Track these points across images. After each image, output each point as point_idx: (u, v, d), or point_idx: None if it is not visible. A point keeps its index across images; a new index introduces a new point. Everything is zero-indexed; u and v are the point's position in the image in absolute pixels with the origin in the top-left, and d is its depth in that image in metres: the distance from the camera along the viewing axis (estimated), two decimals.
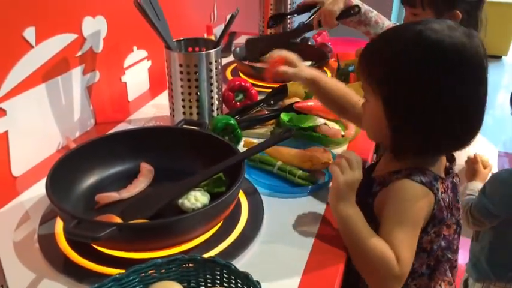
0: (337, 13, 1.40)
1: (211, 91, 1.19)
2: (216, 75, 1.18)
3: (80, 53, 1.15)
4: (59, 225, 0.84)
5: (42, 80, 1.05)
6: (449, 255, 0.86)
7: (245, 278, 0.66)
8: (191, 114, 1.19)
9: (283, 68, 1.01)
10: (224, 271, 0.69)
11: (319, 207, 0.93)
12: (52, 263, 0.76)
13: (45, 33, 1.03)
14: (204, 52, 1.15)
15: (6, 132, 0.97)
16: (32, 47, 1.00)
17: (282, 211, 0.91)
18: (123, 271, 0.72)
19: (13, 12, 0.94)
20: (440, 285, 0.87)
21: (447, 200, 0.83)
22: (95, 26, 1.19)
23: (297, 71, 1.02)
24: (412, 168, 0.81)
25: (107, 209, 0.86)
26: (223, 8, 2.01)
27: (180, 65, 1.14)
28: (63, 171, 0.85)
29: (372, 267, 0.78)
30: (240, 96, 1.31)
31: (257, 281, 0.64)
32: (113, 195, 0.86)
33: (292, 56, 1.04)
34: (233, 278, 0.68)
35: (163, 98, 1.47)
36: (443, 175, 0.85)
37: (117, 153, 0.97)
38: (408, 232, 0.78)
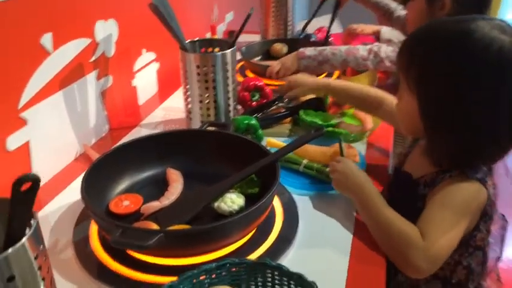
0: None
1: (228, 92, 1.17)
2: (232, 75, 1.17)
3: (93, 58, 1.13)
4: (93, 234, 0.82)
5: (59, 87, 1.02)
6: (497, 251, 0.87)
7: (299, 278, 0.65)
8: (208, 115, 1.18)
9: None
10: (275, 273, 0.68)
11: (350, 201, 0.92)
12: (88, 270, 0.75)
13: (61, 39, 1.00)
14: (220, 53, 1.14)
15: (27, 143, 0.94)
16: (49, 53, 0.97)
17: (315, 209, 0.91)
18: (157, 277, 0.71)
19: (31, 19, 0.91)
20: (485, 282, 0.87)
21: (495, 196, 0.82)
22: (106, 30, 1.17)
23: (298, 91, 1.23)
24: (461, 165, 0.79)
25: (137, 216, 0.85)
26: (222, 8, 2.00)
27: (198, 67, 1.13)
28: (94, 181, 0.83)
29: (393, 243, 0.77)
30: (257, 96, 1.30)
31: (313, 282, 0.64)
32: (157, 204, 0.85)
33: (292, 79, 1.27)
34: (285, 279, 0.67)
35: (173, 101, 1.46)
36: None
37: (143, 159, 0.96)
38: (450, 218, 0.76)
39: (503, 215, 0.88)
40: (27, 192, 0.46)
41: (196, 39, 1.22)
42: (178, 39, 1.13)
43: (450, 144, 0.78)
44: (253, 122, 1.10)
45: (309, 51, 1.44)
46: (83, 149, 1.12)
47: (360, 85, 1.16)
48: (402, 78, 0.83)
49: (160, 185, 0.94)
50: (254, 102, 1.29)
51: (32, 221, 0.53)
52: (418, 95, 0.79)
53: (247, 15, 1.16)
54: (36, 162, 0.97)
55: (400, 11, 1.72)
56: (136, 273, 0.74)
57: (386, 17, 1.76)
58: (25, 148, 0.94)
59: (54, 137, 1.03)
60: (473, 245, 0.83)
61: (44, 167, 1.00)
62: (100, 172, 0.87)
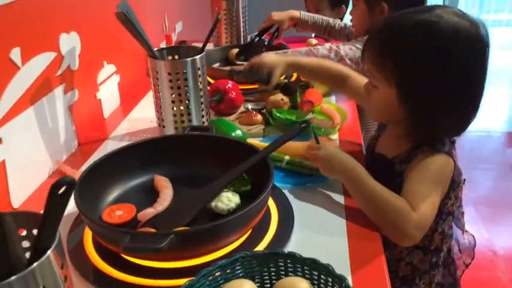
0: None
1: (201, 96, 1.18)
2: (203, 80, 1.18)
3: (60, 72, 1.10)
4: (87, 242, 0.80)
5: (30, 102, 0.99)
6: (462, 210, 0.98)
7: (312, 263, 0.68)
8: (182, 122, 1.18)
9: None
10: (288, 261, 0.70)
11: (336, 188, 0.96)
12: (85, 277, 0.74)
13: (29, 53, 0.97)
14: (190, 59, 1.14)
15: (3, 162, 0.90)
16: (19, 68, 0.94)
17: (305, 201, 0.94)
18: (153, 280, 0.71)
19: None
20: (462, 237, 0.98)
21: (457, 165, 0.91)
22: (70, 43, 1.14)
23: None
24: (431, 140, 0.88)
25: (133, 225, 0.83)
26: (171, 19, 2.00)
27: (169, 74, 1.13)
28: (84, 194, 0.80)
29: (387, 217, 0.83)
30: (218, 97, 1.32)
31: (328, 264, 0.66)
32: (152, 211, 0.84)
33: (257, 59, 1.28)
34: (299, 266, 0.69)
35: (137, 113, 1.44)
36: None
37: (129, 169, 0.94)
38: (429, 188, 0.84)
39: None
40: (62, 195, 0.45)
41: (164, 47, 1.22)
42: (148, 47, 1.12)
43: (429, 122, 0.85)
44: (231, 122, 1.13)
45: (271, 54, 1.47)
46: (56, 165, 1.08)
47: (328, 62, 1.26)
48: (375, 72, 0.89)
49: (149, 193, 0.92)
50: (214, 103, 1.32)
51: None
52: (397, 84, 0.85)
53: (216, 20, 1.18)
54: (12, 182, 0.92)
55: (339, 23, 1.84)
56: (133, 277, 0.73)
57: (327, 32, 1.87)
58: (1, 167, 0.90)
59: (28, 155, 0.99)
60: (446, 212, 0.92)
61: (20, 187, 0.95)
62: (88, 185, 0.84)
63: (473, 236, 1.05)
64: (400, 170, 0.91)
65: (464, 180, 0.97)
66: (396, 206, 0.82)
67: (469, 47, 0.82)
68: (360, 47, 1.53)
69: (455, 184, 0.90)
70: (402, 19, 0.88)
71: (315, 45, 1.56)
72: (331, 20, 1.89)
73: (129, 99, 1.50)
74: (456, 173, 0.89)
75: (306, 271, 0.69)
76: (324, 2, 2.24)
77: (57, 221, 0.48)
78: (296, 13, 1.85)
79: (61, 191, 0.45)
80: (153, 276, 0.73)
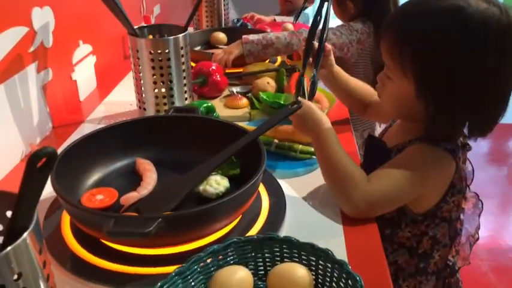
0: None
1: (184, 78, 1.13)
2: (186, 60, 1.12)
3: (32, 49, 1.02)
4: (65, 228, 0.75)
5: (0, 80, 0.91)
6: (469, 229, 0.88)
7: (310, 248, 0.64)
8: (165, 104, 1.12)
9: None
10: (284, 246, 0.66)
11: None
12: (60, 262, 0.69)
13: None
14: (172, 37, 1.08)
15: None
16: None
17: (296, 185, 0.90)
18: (135, 268, 0.66)
19: None
20: (454, 258, 0.89)
21: (465, 171, 0.84)
22: (43, 18, 1.06)
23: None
24: (434, 136, 0.80)
25: (115, 210, 0.78)
26: (149, 1, 1.93)
27: (150, 53, 1.06)
28: (60, 177, 0.74)
29: (338, 180, 0.80)
30: (201, 79, 1.26)
31: (327, 249, 0.62)
32: (135, 195, 0.78)
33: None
34: (295, 251, 0.65)
35: (115, 95, 1.37)
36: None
37: (109, 151, 0.88)
38: (401, 174, 0.78)
39: (477, 194, 0.91)
40: (42, 169, 0.39)
41: (145, 25, 1.15)
42: (128, 24, 1.06)
43: (450, 120, 0.77)
44: (210, 104, 1.08)
45: (252, 36, 1.42)
46: (29, 148, 1.01)
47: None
48: (391, 62, 0.81)
49: (130, 177, 0.87)
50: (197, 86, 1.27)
51: None
52: (415, 76, 0.77)
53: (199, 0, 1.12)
54: None
55: None
56: (116, 265, 0.68)
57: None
58: None
59: (0, 137, 0.92)
60: (440, 216, 0.85)
61: None
62: (65, 168, 0.78)
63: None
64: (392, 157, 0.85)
65: (478, 195, 0.90)
66: (351, 173, 0.79)
67: (499, 36, 0.73)
68: (345, 32, 1.50)
69: (455, 189, 0.83)
70: (424, 4, 0.78)
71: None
72: None
73: (106, 82, 1.42)
74: (458, 176, 0.82)
75: (303, 256, 0.65)
76: None
77: (35, 199, 0.42)
78: None
79: (40, 164, 0.39)
80: (138, 264, 0.68)
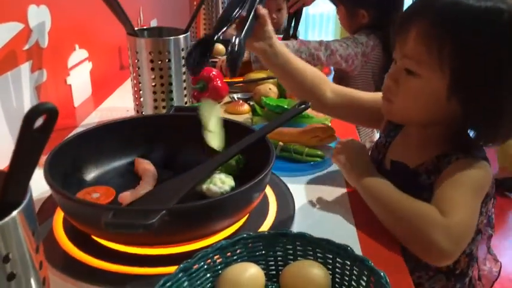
0: None
1: (184, 81, 1.09)
2: None
3: (27, 47, 0.98)
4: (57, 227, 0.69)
5: None
6: (490, 232, 0.83)
7: (327, 244, 0.59)
8: (164, 107, 1.08)
9: None
10: (297, 243, 0.60)
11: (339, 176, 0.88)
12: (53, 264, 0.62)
13: None
14: (173, 37, 1.05)
15: None
16: None
17: (304, 189, 0.85)
18: (130, 268, 0.61)
19: None
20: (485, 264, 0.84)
21: None
22: (39, 16, 1.03)
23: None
24: (464, 146, 0.74)
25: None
26: (146, 15, 1.91)
27: (150, 53, 1.03)
28: (54, 174, 0.68)
29: (409, 225, 0.68)
30: (201, 84, 1.22)
31: (345, 245, 0.57)
32: (134, 193, 0.73)
33: None
34: (310, 248, 0.60)
35: (111, 102, 1.33)
36: None
37: (107, 150, 0.83)
38: (468, 196, 0.69)
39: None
40: (40, 131, 0.34)
41: (144, 27, 1.12)
42: (128, 23, 1.02)
43: (488, 121, 0.72)
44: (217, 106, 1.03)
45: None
46: None
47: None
48: (424, 54, 0.71)
49: (129, 177, 0.82)
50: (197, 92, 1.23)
51: None
52: (453, 70, 0.69)
53: (199, 4, 1.10)
54: None
55: None
56: (113, 265, 0.63)
57: None
58: None
59: None
60: (476, 230, 0.75)
61: None
62: (59, 165, 0.72)
63: (500, 264, 0.87)
64: (428, 182, 0.75)
65: (495, 198, 0.83)
66: (419, 210, 0.68)
67: None
68: (351, 44, 1.48)
69: (488, 198, 0.76)
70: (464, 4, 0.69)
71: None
72: None
73: (101, 90, 1.38)
74: (491, 183, 0.75)
75: (319, 254, 0.59)
76: (285, 2, 2.19)
77: (31, 167, 0.37)
78: None
79: (38, 124, 0.35)
80: (135, 264, 0.63)
